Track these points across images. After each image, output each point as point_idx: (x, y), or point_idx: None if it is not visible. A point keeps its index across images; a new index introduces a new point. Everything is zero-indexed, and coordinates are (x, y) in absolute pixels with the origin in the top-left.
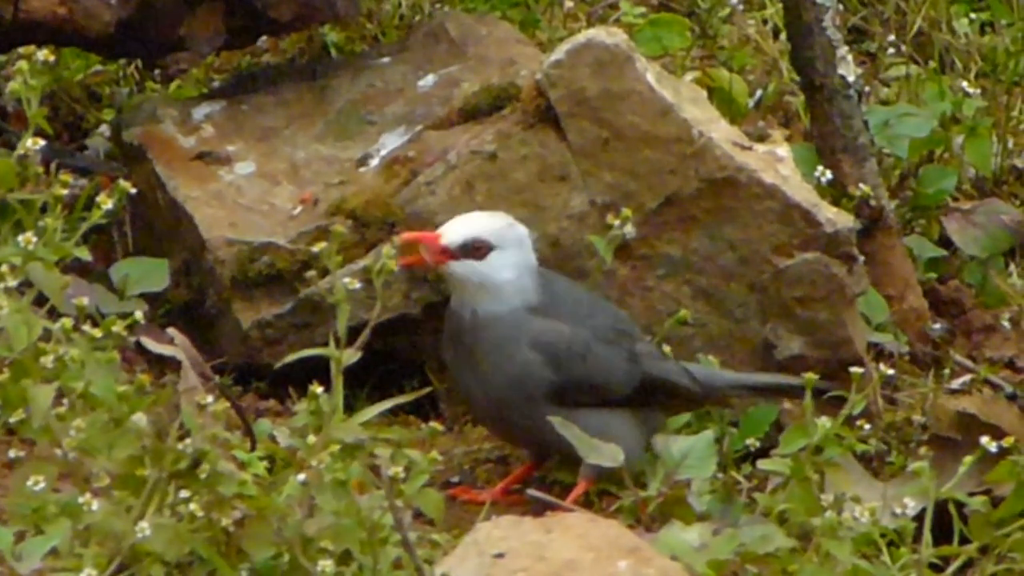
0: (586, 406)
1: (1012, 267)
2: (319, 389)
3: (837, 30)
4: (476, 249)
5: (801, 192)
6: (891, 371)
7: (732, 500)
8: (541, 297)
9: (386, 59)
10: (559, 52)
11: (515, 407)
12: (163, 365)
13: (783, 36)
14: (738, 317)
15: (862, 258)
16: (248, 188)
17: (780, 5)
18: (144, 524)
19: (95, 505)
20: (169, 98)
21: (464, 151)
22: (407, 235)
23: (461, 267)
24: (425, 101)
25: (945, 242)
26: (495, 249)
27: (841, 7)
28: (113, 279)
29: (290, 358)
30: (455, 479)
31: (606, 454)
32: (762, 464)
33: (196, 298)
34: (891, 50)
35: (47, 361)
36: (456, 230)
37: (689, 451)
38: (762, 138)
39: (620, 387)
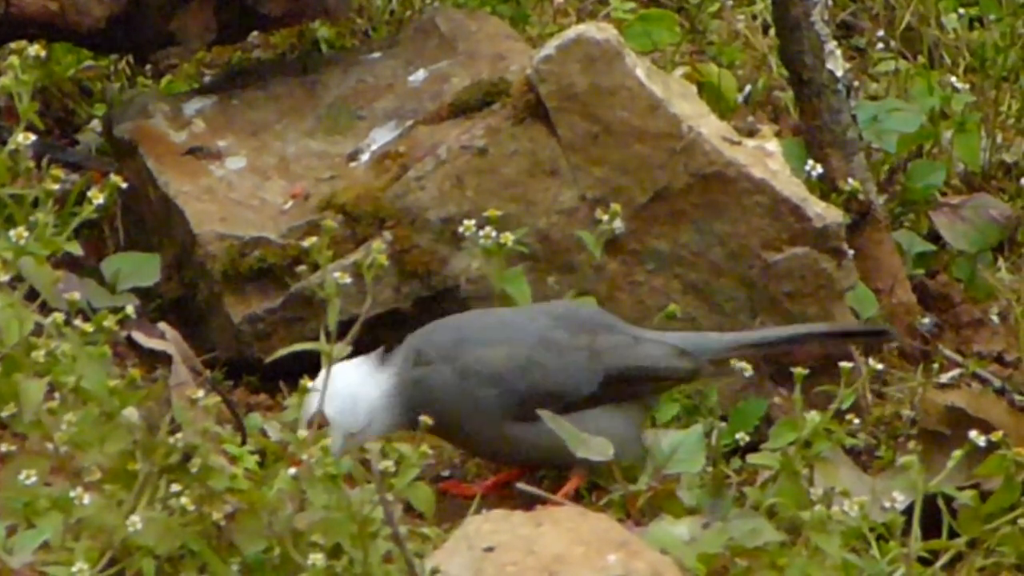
0: (557, 412)
1: (1001, 262)
2: (310, 383)
3: (826, 25)
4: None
5: (790, 187)
6: (880, 366)
7: (721, 494)
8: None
9: (376, 54)
10: (549, 47)
11: (482, 436)
12: (154, 360)
13: (772, 31)
14: (727, 311)
15: (851, 253)
16: (239, 183)
17: (769, 0)
18: (135, 518)
19: (86, 499)
20: (160, 93)
21: (454, 146)
22: None
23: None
24: (415, 96)
25: (934, 237)
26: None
27: (830, 2)
28: (104, 274)
29: (281, 353)
30: (445, 473)
31: (595, 447)
32: (751, 458)
33: (187, 293)
34: (880, 45)
35: (38, 355)
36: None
37: (678, 445)
38: (751, 133)
39: (581, 387)
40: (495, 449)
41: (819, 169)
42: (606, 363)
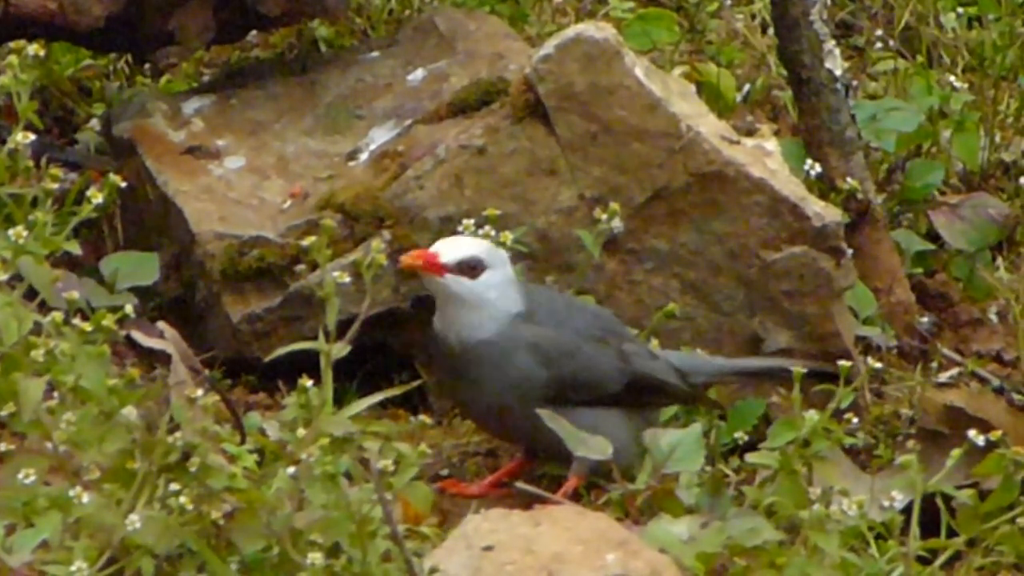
0: (579, 404)
1: (999, 261)
2: (309, 382)
3: (824, 24)
4: (471, 268)
5: (789, 186)
6: (879, 365)
7: (720, 493)
8: (525, 307)
9: (375, 54)
10: (548, 47)
11: (514, 412)
12: (153, 359)
13: (771, 31)
14: (726, 311)
15: (850, 252)
16: (238, 182)
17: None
18: (134, 517)
19: (85, 498)
20: (159, 92)
21: (453, 145)
22: (407, 257)
23: (455, 282)
24: (414, 96)
25: (932, 236)
26: (487, 269)
27: (829, 2)
28: (103, 273)
29: (279, 352)
30: (444, 472)
31: (594, 447)
32: (750, 457)
33: (186, 292)
34: (879, 45)
35: (37, 355)
36: (452, 249)
37: (677, 444)
38: (750, 132)
39: (611, 384)
40: (516, 426)
41: (818, 168)
42: (632, 367)
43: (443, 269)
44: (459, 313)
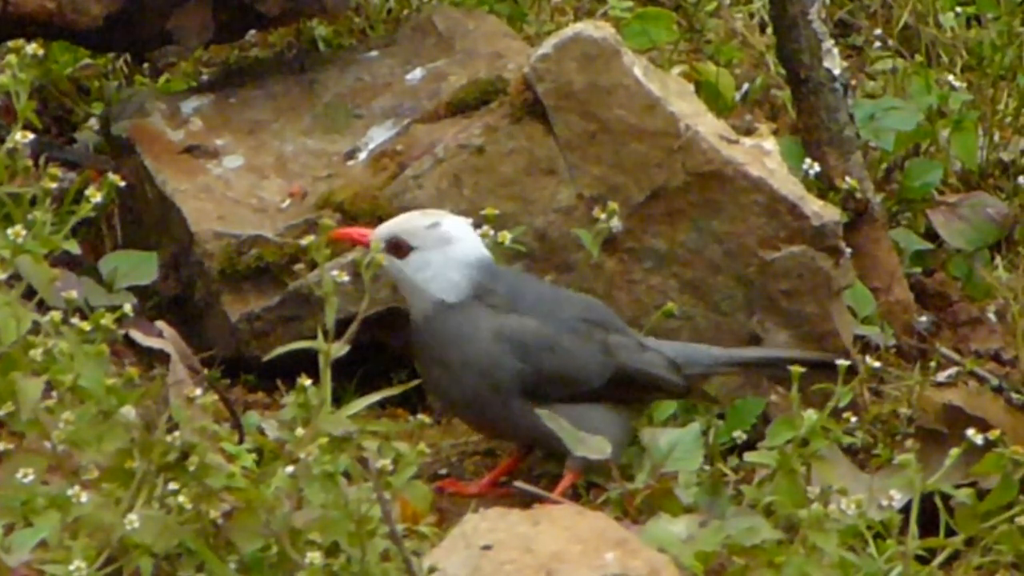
0: (559, 401)
1: (998, 260)
2: (307, 382)
3: (823, 23)
4: (397, 248)
5: (787, 185)
6: (877, 364)
7: (719, 492)
8: (486, 291)
9: (374, 53)
10: (546, 46)
11: (488, 403)
12: (152, 358)
13: (770, 30)
14: (724, 310)
15: (848, 251)
16: (236, 181)
17: None
18: (133, 516)
19: (84, 497)
20: (158, 92)
21: (452, 145)
22: (338, 232)
23: (386, 261)
24: (413, 95)
25: (931, 235)
26: (414, 250)
27: (827, 1)
28: (102, 272)
29: (278, 351)
30: (443, 471)
31: (593, 446)
32: (749, 456)
33: (184, 291)
34: (877, 44)
35: (36, 354)
36: (382, 228)
37: (676, 444)
38: (749, 132)
39: (592, 379)
40: (494, 418)
41: (816, 167)
42: (616, 361)
43: (368, 244)
44: (402, 291)
